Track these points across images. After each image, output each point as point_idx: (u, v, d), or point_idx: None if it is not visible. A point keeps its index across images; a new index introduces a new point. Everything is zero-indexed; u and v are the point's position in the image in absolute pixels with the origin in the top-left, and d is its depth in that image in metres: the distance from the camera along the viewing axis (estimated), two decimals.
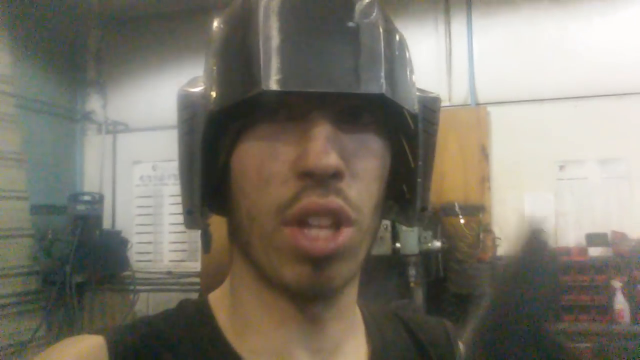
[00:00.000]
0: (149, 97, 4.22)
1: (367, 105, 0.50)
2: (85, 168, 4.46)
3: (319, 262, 0.48)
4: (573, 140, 3.47)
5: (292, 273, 0.49)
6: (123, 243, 3.99)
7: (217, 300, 0.58)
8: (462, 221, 3.40)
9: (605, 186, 3.42)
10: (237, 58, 0.49)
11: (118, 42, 4.47)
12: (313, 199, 0.47)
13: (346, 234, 0.48)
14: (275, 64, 0.45)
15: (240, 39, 0.48)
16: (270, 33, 0.46)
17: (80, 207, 3.71)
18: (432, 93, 0.56)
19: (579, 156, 3.46)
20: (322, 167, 0.45)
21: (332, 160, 0.46)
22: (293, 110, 0.48)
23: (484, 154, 3.52)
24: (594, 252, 3.21)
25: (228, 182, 0.53)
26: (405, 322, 0.65)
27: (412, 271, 3.14)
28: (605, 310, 3.08)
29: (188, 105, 0.51)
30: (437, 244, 3.24)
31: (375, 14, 0.49)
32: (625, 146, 3.37)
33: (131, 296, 4.02)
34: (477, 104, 3.66)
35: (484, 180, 3.49)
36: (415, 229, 3.24)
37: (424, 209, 0.57)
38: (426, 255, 3.22)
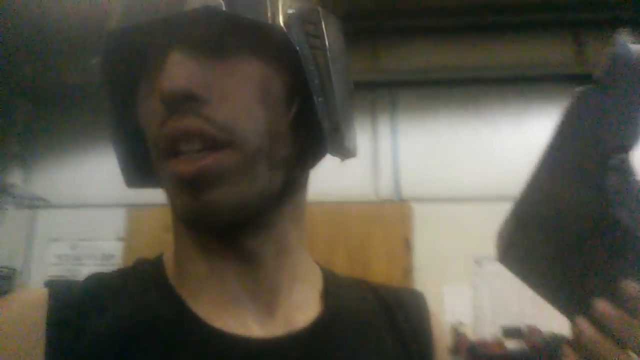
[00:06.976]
0: (73, 174, 4.14)
1: (232, 31, 0.49)
2: (1, 242, 4.19)
3: (194, 186, 0.47)
4: (488, 237, 3.71)
5: (179, 202, 0.49)
6: None
7: (168, 255, 0.59)
8: None
9: (518, 281, 3.63)
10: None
11: (47, 116, 4.39)
12: (170, 124, 0.47)
13: (216, 156, 0.47)
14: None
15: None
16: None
17: None
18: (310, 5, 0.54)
19: (493, 252, 3.68)
20: (169, 91, 0.46)
21: (178, 82, 0.46)
22: (158, 57, 0.49)
23: (408, 247, 3.69)
24: (511, 344, 3.36)
25: None
26: (375, 289, 0.65)
27: None
28: None
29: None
30: None
31: None
32: None
33: None
34: (401, 200, 3.88)
35: (407, 272, 3.63)
36: None
37: (336, 129, 0.53)
38: None
